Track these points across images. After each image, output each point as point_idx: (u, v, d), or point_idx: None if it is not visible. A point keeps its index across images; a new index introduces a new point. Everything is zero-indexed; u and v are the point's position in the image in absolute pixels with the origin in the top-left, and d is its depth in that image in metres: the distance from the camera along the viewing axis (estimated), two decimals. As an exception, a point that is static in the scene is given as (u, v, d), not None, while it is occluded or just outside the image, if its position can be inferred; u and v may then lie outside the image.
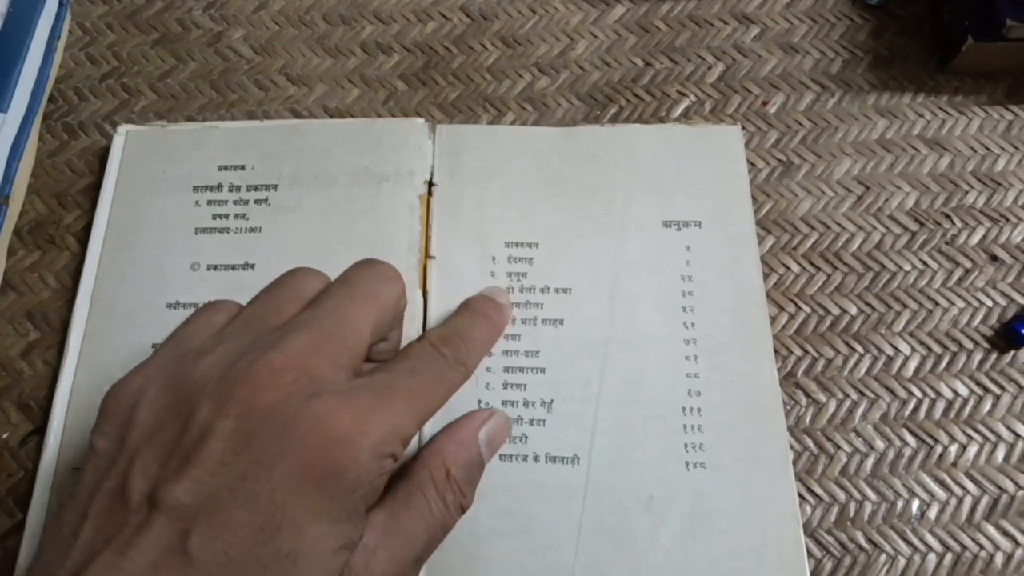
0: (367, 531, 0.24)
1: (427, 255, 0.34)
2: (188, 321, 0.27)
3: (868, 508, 0.31)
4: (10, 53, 0.34)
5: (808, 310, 0.34)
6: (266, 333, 0.24)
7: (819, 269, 0.35)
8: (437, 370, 0.27)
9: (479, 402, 0.31)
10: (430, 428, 0.30)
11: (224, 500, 0.21)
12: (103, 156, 0.36)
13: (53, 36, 0.37)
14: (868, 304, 0.34)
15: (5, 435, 0.32)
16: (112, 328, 0.33)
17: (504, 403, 0.31)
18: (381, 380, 0.25)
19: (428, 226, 0.34)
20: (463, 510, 0.27)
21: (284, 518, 0.21)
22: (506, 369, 0.32)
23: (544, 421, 0.31)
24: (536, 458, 0.31)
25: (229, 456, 0.21)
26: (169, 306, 0.33)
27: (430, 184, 0.35)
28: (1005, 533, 0.31)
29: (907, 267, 0.35)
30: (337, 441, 0.22)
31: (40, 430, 0.31)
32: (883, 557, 0.30)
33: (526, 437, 0.31)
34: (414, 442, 0.29)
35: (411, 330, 0.32)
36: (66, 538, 0.21)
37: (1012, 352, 0.34)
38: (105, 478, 0.22)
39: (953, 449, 0.32)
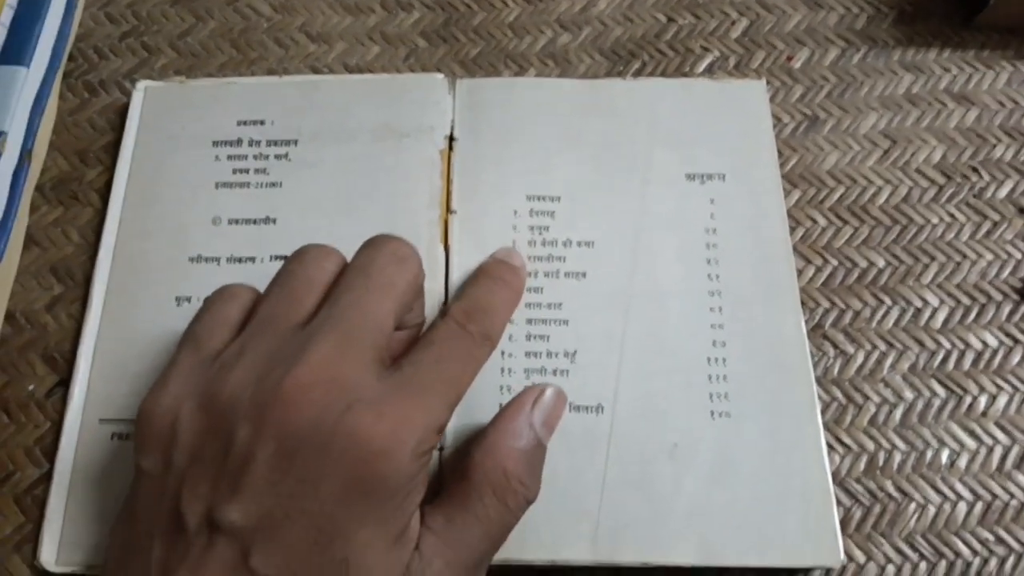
0: (423, 539, 0.24)
1: (448, 209, 0.34)
2: (200, 317, 0.27)
3: (897, 457, 0.31)
4: (31, 8, 0.34)
5: (835, 263, 0.34)
6: (288, 338, 0.25)
7: (846, 222, 0.35)
8: (464, 350, 0.27)
9: (502, 353, 0.31)
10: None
11: (277, 518, 0.22)
12: (123, 113, 0.36)
13: (73, -6, 0.37)
14: (896, 257, 0.34)
15: (31, 387, 0.32)
16: (135, 282, 0.33)
17: (527, 354, 0.31)
18: (410, 376, 0.25)
19: (449, 181, 0.34)
20: (529, 502, 0.26)
21: (334, 528, 0.22)
22: (529, 321, 0.32)
23: (567, 371, 0.31)
24: (560, 408, 0.30)
25: (276, 476, 0.22)
26: (191, 260, 0.33)
27: (451, 139, 0.35)
28: (1036, 483, 0.30)
29: (935, 220, 0.35)
30: (376, 454, 0.22)
31: (65, 382, 0.32)
32: (913, 505, 0.30)
33: (550, 387, 0.31)
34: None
35: (434, 284, 0.32)
36: (139, 556, 0.23)
37: (1042, 303, 0.33)
38: (160, 499, 0.24)
39: (983, 399, 0.32)
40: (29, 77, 0.33)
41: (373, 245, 0.27)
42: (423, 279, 0.28)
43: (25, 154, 0.33)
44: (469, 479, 0.25)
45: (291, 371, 0.23)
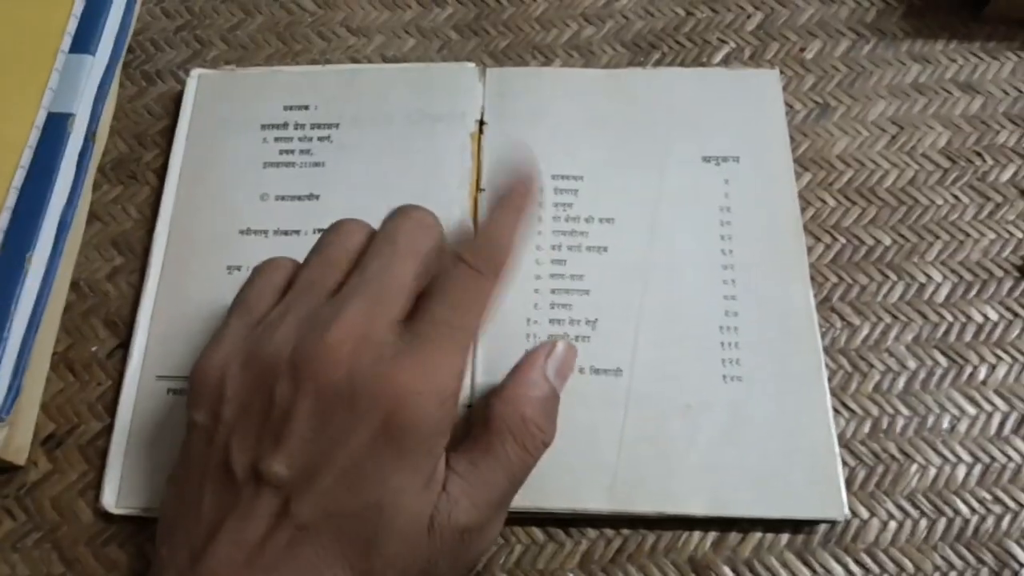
0: (449, 481, 0.26)
1: (478, 188, 0.36)
2: (251, 283, 0.29)
3: (900, 422, 0.33)
4: (98, 1, 0.37)
5: (843, 241, 0.36)
6: (323, 302, 0.27)
7: (854, 203, 0.37)
8: (474, 291, 0.27)
9: (528, 320, 0.34)
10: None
11: (315, 468, 0.24)
12: (178, 100, 0.39)
13: (133, -10, 0.40)
14: (901, 235, 0.36)
15: (94, 348, 0.34)
16: (189, 253, 0.35)
17: (551, 321, 0.34)
18: (426, 329, 0.26)
19: (479, 162, 0.37)
20: (546, 445, 0.28)
21: (367, 475, 0.24)
22: (553, 291, 0.34)
23: (588, 337, 0.33)
24: (581, 370, 0.32)
25: (313, 430, 0.24)
26: (241, 232, 0.36)
27: (481, 123, 0.37)
28: (1033, 447, 0.32)
29: (939, 201, 0.37)
30: (402, 403, 0.25)
31: (125, 344, 0.34)
32: (914, 466, 0.32)
33: (572, 352, 0.33)
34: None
35: (464, 256, 0.34)
36: (193, 502, 0.26)
37: (1042, 280, 0.35)
38: (210, 451, 0.26)
39: (983, 369, 0.33)
40: (95, 64, 0.36)
41: (399, 214, 0.29)
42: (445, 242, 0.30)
43: (90, 135, 0.36)
44: (490, 426, 0.27)
45: (327, 331, 0.25)
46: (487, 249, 0.28)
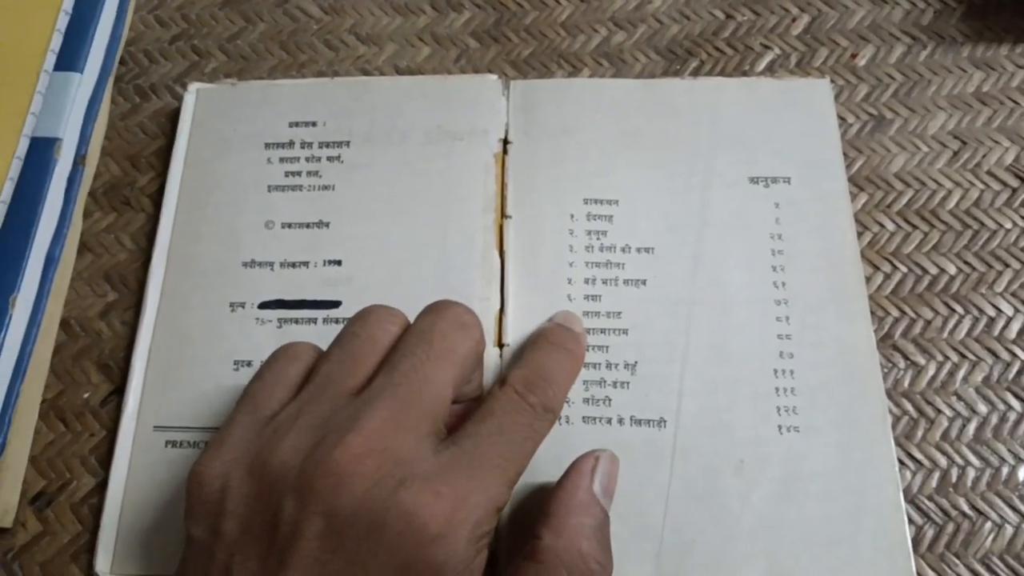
0: None
1: (503, 215, 0.33)
2: (260, 375, 0.26)
3: (971, 474, 0.30)
4: (86, 12, 0.34)
5: (905, 269, 0.33)
6: (343, 404, 0.24)
7: (915, 227, 0.33)
8: (525, 424, 0.25)
9: (561, 363, 0.30)
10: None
11: None
12: (175, 118, 0.36)
13: (124, -3, 0.37)
14: (967, 263, 0.33)
15: (86, 395, 0.32)
16: (189, 288, 0.32)
17: (586, 364, 0.30)
18: (468, 450, 0.23)
19: (504, 185, 0.33)
20: None
21: None
22: (588, 331, 0.31)
23: (628, 383, 0.30)
24: (621, 420, 0.30)
25: (324, 555, 0.21)
26: (244, 264, 0.33)
27: (505, 142, 0.34)
28: (1121, 502, 0.29)
29: (1008, 225, 0.33)
30: (431, 539, 0.21)
31: (120, 390, 0.31)
32: (988, 525, 0.29)
33: (609, 399, 0.30)
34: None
35: (489, 291, 0.31)
36: None
37: (1125, 313, 0.32)
38: (210, 570, 0.23)
39: (1062, 414, 0.30)
40: (83, 83, 0.33)
41: (435, 310, 0.26)
42: (484, 347, 0.27)
43: (79, 160, 0.33)
44: (541, 562, 0.23)
45: (343, 440, 0.22)
46: (542, 386, 0.26)
